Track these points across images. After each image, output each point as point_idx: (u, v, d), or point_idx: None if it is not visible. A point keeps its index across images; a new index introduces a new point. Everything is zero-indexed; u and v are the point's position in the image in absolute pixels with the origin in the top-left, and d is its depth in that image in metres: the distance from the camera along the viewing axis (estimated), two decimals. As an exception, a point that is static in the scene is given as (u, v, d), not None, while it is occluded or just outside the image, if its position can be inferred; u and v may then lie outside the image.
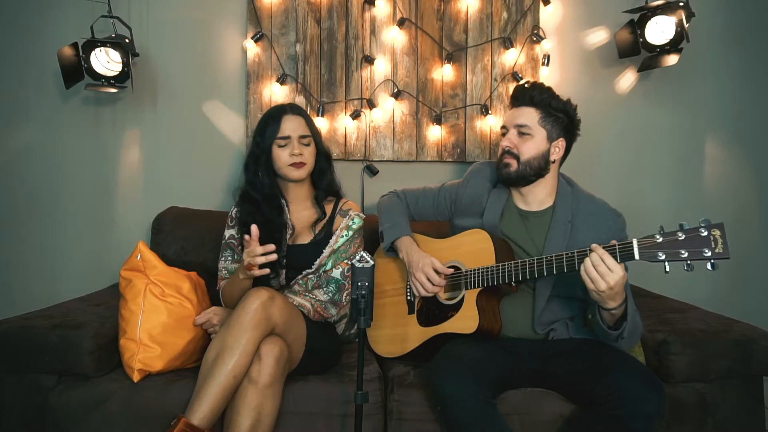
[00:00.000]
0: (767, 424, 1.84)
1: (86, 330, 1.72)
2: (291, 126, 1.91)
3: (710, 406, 1.73)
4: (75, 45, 2.22)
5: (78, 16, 2.35)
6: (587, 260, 1.46)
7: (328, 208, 1.99)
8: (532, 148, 1.74)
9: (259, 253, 1.67)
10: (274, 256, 1.69)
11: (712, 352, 1.74)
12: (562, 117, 1.76)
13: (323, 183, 2.00)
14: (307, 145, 1.93)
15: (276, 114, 1.93)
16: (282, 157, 1.90)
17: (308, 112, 2.41)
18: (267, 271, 1.71)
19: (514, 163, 1.74)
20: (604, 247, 1.46)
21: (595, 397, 1.50)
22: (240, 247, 1.95)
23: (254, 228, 1.70)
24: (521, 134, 1.75)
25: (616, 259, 1.44)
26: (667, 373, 1.73)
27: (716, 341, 1.75)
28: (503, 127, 1.82)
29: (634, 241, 1.43)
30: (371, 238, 2.07)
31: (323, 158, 2.00)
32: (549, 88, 1.78)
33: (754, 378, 1.79)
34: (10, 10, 2.41)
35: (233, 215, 2.00)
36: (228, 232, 1.99)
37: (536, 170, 1.74)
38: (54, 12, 2.41)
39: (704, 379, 1.75)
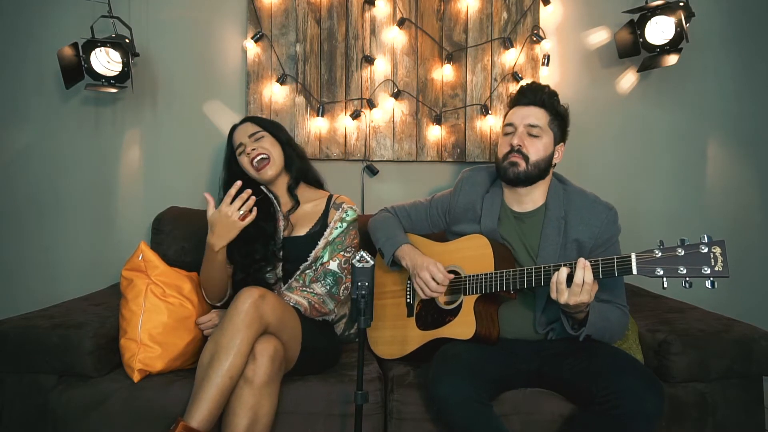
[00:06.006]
0: (767, 424, 1.85)
1: (86, 330, 1.72)
2: (239, 134, 2.00)
3: (710, 406, 1.73)
4: (75, 45, 2.22)
5: (78, 16, 2.35)
6: (557, 276, 1.50)
7: (322, 203, 2.03)
8: (540, 149, 1.73)
9: (231, 201, 1.70)
10: (247, 195, 1.72)
11: (712, 352, 1.74)
12: (563, 122, 1.79)
13: (292, 170, 2.02)
14: (259, 138, 1.98)
15: (228, 134, 2.04)
16: (244, 163, 1.96)
17: (308, 112, 2.43)
18: (252, 216, 1.73)
19: (522, 163, 1.72)
20: (603, 260, 1.47)
21: (595, 398, 1.50)
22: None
23: (238, 183, 1.73)
24: (531, 134, 1.74)
25: (614, 273, 1.46)
26: (667, 373, 1.74)
27: (716, 341, 1.75)
28: (510, 124, 1.78)
29: (633, 256, 1.43)
30: (366, 236, 2.07)
31: (288, 147, 2.03)
32: (555, 92, 1.80)
33: (754, 378, 1.79)
34: (10, 10, 2.41)
35: None
36: None
37: (541, 172, 1.75)
38: (54, 12, 2.41)
39: (704, 379, 1.75)
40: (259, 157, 1.93)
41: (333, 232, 1.95)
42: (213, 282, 1.83)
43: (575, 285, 1.47)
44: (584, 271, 1.47)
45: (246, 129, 1.99)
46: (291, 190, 2.01)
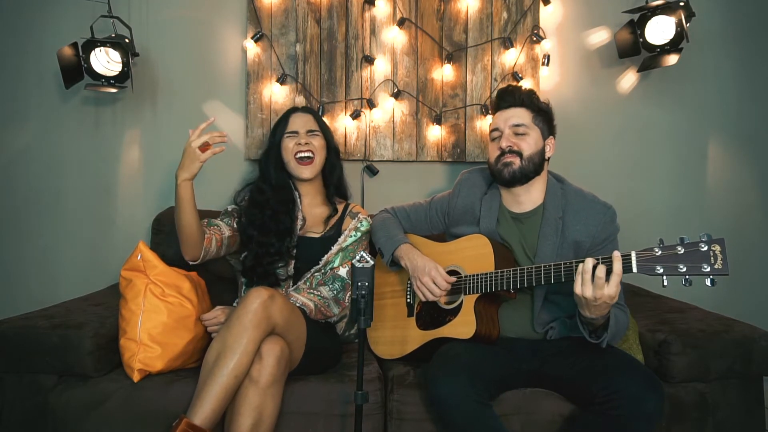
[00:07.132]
0: (767, 424, 1.84)
1: (86, 330, 1.72)
2: (299, 122, 2.02)
3: (710, 406, 1.73)
4: (75, 45, 2.22)
5: (78, 16, 2.35)
6: (582, 265, 1.44)
7: (338, 209, 2.07)
8: (531, 144, 1.75)
9: (197, 135, 1.68)
10: (218, 134, 1.70)
11: (712, 352, 1.73)
12: (548, 116, 1.82)
13: (333, 178, 2.08)
14: (315, 136, 2.02)
15: (286, 113, 2.07)
16: (289, 146, 1.99)
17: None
18: (214, 151, 1.69)
19: (517, 161, 1.74)
20: (602, 259, 1.45)
21: (595, 398, 1.50)
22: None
23: (212, 119, 1.74)
24: (517, 134, 1.76)
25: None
26: (667, 373, 1.73)
27: (716, 341, 1.75)
28: (495, 129, 1.81)
29: (633, 254, 1.42)
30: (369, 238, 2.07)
31: (333, 154, 2.09)
32: (533, 90, 1.83)
33: (754, 378, 1.79)
34: (10, 10, 2.41)
35: (228, 209, 2.05)
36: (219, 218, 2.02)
37: (536, 167, 1.76)
38: (54, 12, 2.41)
39: (704, 379, 1.75)
40: (305, 154, 1.98)
41: (347, 239, 1.98)
42: (181, 229, 1.79)
43: (598, 278, 1.42)
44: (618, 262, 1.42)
45: (307, 122, 2.03)
46: (330, 199, 2.07)
